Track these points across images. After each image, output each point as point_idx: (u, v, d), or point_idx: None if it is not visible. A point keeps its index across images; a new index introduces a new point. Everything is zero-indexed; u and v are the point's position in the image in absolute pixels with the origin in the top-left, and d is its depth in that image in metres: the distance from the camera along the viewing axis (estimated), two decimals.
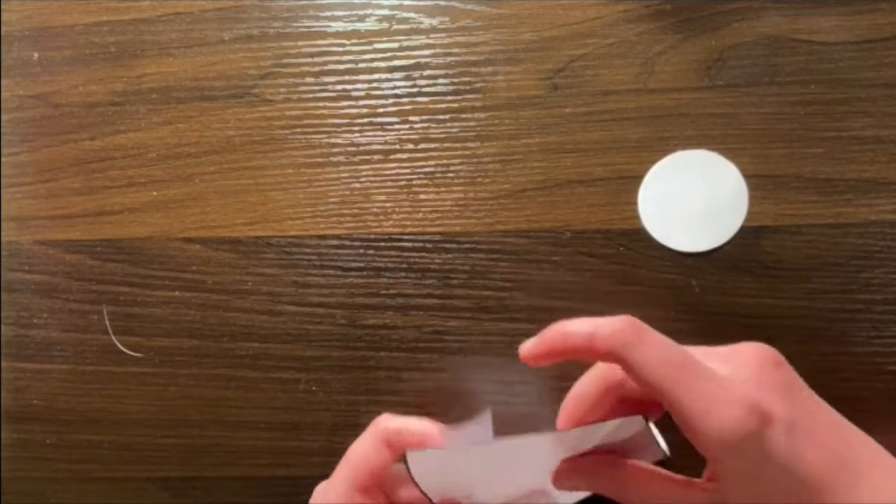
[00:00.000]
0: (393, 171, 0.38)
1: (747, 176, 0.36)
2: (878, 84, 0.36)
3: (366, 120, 0.38)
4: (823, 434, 0.27)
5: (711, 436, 0.25)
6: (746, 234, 0.36)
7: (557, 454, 0.30)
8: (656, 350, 0.26)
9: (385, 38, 0.38)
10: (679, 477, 0.29)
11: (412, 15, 0.38)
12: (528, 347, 0.29)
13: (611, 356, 0.26)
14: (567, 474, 0.29)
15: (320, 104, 0.39)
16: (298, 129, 0.39)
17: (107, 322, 0.39)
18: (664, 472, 0.29)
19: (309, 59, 0.39)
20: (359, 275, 0.38)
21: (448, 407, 0.37)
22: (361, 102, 0.38)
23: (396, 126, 0.38)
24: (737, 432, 0.25)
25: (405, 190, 0.38)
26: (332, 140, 0.38)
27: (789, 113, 0.36)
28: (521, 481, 0.31)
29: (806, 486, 0.26)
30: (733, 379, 0.26)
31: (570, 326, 0.27)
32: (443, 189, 0.38)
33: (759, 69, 0.36)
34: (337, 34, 0.39)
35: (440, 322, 0.38)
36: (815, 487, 0.26)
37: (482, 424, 0.32)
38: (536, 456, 0.31)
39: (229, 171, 0.39)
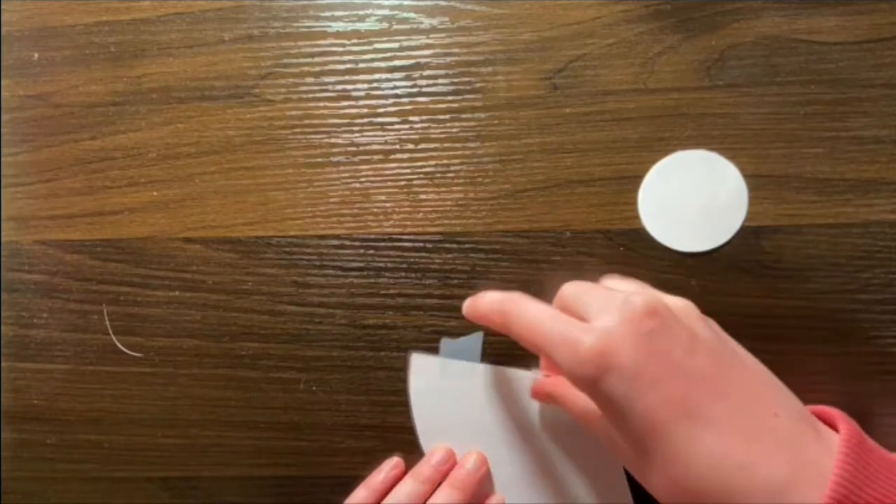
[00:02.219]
0: (393, 171, 0.38)
1: (747, 176, 0.36)
2: (878, 84, 0.36)
3: (366, 120, 0.38)
4: (673, 383, 0.27)
5: (569, 377, 0.28)
6: (746, 234, 0.36)
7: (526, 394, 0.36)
8: (530, 311, 0.30)
9: (385, 38, 0.38)
10: None
11: (412, 15, 0.38)
12: (464, 311, 0.34)
13: (500, 323, 0.31)
14: (535, 393, 0.35)
15: (320, 104, 0.39)
16: (298, 129, 0.39)
17: (107, 322, 0.39)
18: None
19: (309, 59, 0.39)
20: (359, 275, 0.38)
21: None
22: (361, 102, 0.38)
23: (396, 126, 0.38)
24: (583, 375, 0.27)
25: (405, 190, 0.38)
26: (332, 140, 0.39)
27: (789, 113, 0.36)
28: (495, 422, 0.36)
29: (640, 429, 0.26)
30: (598, 328, 0.28)
31: (477, 299, 0.33)
32: (443, 189, 0.38)
33: (759, 69, 0.36)
34: (337, 34, 0.39)
35: (440, 322, 0.38)
36: (649, 431, 0.26)
37: (473, 341, 0.37)
38: (511, 389, 0.36)
39: (229, 171, 0.39)
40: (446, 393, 0.37)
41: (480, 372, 0.36)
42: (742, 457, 0.25)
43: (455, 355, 0.37)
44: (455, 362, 0.37)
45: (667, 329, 0.27)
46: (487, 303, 0.32)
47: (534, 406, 0.36)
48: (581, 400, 0.31)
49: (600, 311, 0.28)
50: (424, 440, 0.37)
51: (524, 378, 0.36)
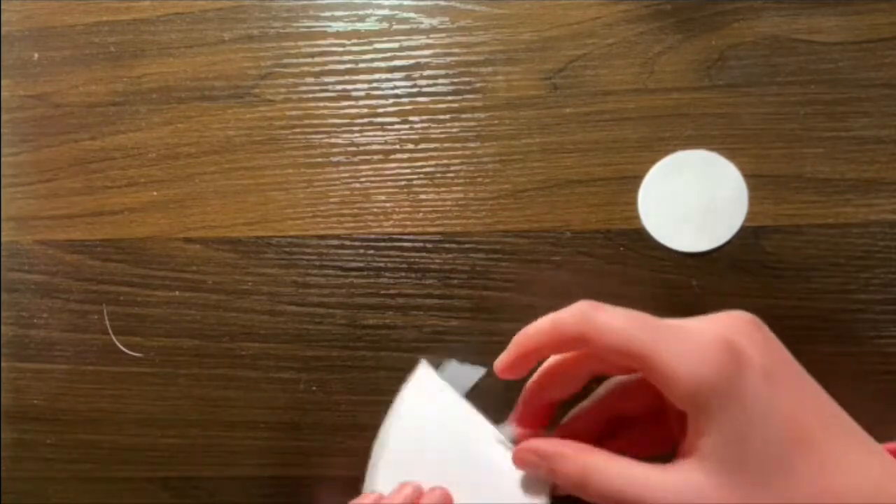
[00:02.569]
0: (393, 171, 0.38)
1: (747, 176, 0.36)
2: (878, 84, 0.36)
3: (366, 120, 0.38)
4: (808, 389, 0.25)
5: (688, 380, 0.23)
6: (746, 234, 0.36)
7: (498, 454, 0.31)
8: (618, 313, 0.26)
9: (385, 38, 0.38)
10: (648, 465, 0.26)
11: (412, 15, 0.38)
12: (501, 361, 0.29)
13: (577, 334, 0.26)
14: (526, 453, 0.28)
15: (320, 104, 0.39)
16: (298, 129, 0.39)
17: (107, 322, 0.39)
18: (631, 459, 0.26)
19: (309, 59, 0.39)
20: (359, 275, 0.38)
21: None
22: (361, 102, 0.38)
23: (396, 126, 0.38)
24: (713, 371, 0.23)
25: (405, 190, 0.38)
26: (332, 140, 0.39)
27: (789, 113, 0.36)
28: (462, 470, 0.32)
29: (783, 437, 0.23)
30: (705, 328, 0.25)
31: (531, 326, 0.28)
32: (443, 189, 0.38)
33: (759, 69, 0.36)
34: (337, 34, 0.39)
35: (440, 322, 0.38)
36: (795, 438, 0.23)
37: (473, 372, 0.34)
38: (485, 444, 0.32)
39: (229, 171, 0.39)
40: (427, 415, 0.34)
41: (460, 408, 0.33)
42: (884, 468, 0.24)
43: (455, 379, 0.34)
44: (449, 391, 0.34)
45: (777, 340, 0.25)
46: (555, 318, 0.27)
47: (485, 462, 0.32)
48: (582, 465, 0.26)
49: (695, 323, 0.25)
50: (382, 449, 0.34)
51: (489, 432, 0.32)
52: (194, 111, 0.39)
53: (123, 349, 0.39)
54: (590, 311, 0.26)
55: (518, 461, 0.29)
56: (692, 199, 0.36)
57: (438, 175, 0.38)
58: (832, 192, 0.36)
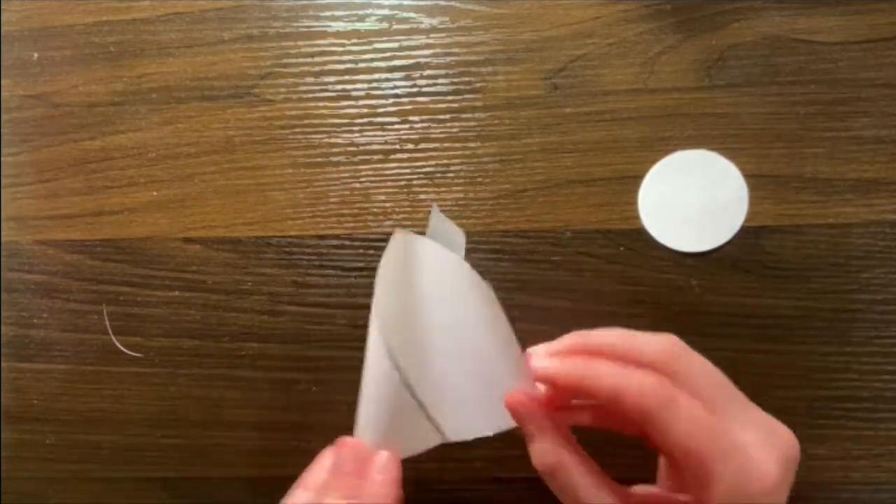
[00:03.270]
0: (393, 171, 0.38)
1: (747, 176, 0.36)
2: (878, 84, 0.36)
3: (366, 120, 0.38)
4: None
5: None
6: (746, 234, 0.36)
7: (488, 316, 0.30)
8: (689, 413, 0.25)
9: (385, 38, 0.38)
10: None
11: (412, 15, 0.38)
12: (548, 347, 0.28)
13: (655, 363, 0.25)
14: (522, 403, 0.27)
15: (320, 104, 0.39)
16: (298, 129, 0.39)
17: (107, 322, 0.39)
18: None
19: (309, 59, 0.39)
20: (359, 275, 0.38)
21: None
22: (361, 102, 0.38)
23: (396, 126, 0.38)
24: None
25: (405, 190, 0.38)
26: (332, 140, 0.39)
27: (789, 113, 0.36)
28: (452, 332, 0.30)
29: None
30: (764, 470, 0.25)
31: (598, 332, 0.27)
32: (443, 189, 0.38)
33: (759, 69, 0.36)
34: (337, 34, 0.39)
35: None
36: None
37: (458, 236, 0.32)
38: (477, 304, 0.30)
39: (229, 171, 0.39)
40: (416, 270, 0.31)
41: (451, 259, 0.30)
42: None
43: (440, 235, 0.31)
44: (437, 247, 0.31)
45: None
46: (633, 334, 0.26)
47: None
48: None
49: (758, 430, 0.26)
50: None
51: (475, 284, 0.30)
52: (194, 111, 0.39)
53: (123, 349, 0.39)
54: (667, 403, 0.24)
55: (513, 401, 0.28)
56: (692, 199, 0.36)
57: (438, 175, 0.38)
58: (832, 192, 0.36)
